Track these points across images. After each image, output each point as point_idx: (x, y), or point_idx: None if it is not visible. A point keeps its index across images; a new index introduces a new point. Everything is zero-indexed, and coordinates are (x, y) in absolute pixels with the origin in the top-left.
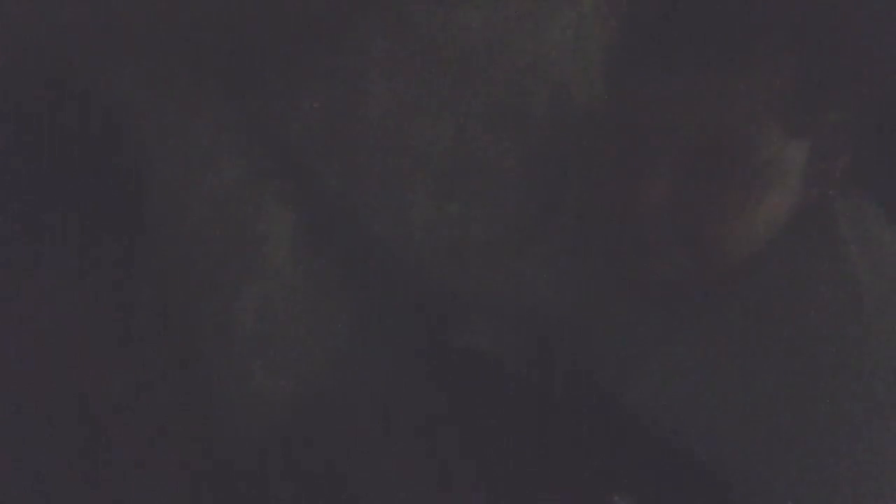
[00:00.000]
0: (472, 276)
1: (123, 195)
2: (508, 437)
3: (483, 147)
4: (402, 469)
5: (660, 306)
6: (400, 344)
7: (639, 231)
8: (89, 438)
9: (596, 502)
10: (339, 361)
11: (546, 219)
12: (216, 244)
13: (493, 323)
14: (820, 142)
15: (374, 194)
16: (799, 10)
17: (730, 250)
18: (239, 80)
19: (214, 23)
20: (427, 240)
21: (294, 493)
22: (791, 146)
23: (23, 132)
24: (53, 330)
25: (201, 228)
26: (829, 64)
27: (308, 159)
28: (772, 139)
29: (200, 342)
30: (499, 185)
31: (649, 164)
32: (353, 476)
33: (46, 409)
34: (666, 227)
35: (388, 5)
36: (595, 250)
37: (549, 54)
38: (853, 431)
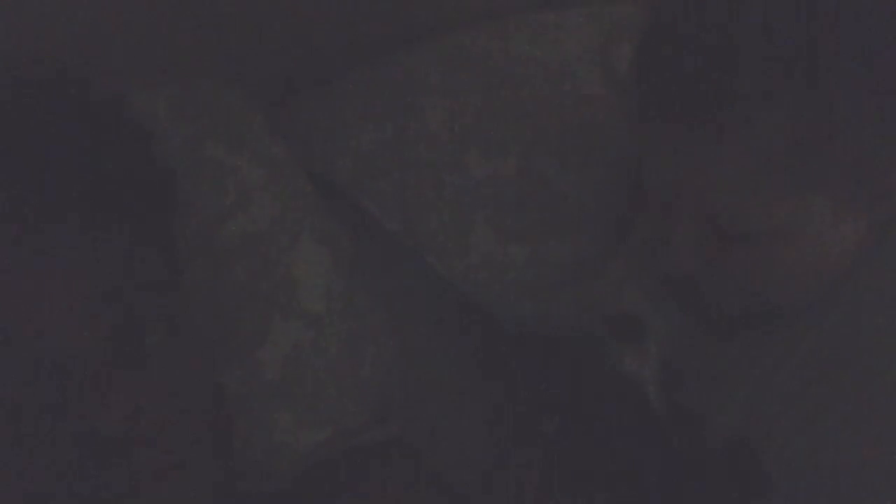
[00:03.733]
0: (538, 319)
1: (155, 228)
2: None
3: (548, 182)
4: None
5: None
6: (447, 396)
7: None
8: (97, 477)
9: None
10: (372, 413)
11: (612, 255)
12: (246, 285)
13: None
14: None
15: (430, 234)
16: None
17: (792, 289)
18: (284, 114)
19: (262, 55)
20: (490, 281)
21: None
22: (814, 199)
23: (57, 162)
24: (72, 365)
25: (232, 268)
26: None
27: (355, 195)
28: (788, 196)
29: (226, 387)
30: (566, 223)
31: (675, 227)
32: None
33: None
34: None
35: (444, 35)
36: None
37: (611, 83)
38: None
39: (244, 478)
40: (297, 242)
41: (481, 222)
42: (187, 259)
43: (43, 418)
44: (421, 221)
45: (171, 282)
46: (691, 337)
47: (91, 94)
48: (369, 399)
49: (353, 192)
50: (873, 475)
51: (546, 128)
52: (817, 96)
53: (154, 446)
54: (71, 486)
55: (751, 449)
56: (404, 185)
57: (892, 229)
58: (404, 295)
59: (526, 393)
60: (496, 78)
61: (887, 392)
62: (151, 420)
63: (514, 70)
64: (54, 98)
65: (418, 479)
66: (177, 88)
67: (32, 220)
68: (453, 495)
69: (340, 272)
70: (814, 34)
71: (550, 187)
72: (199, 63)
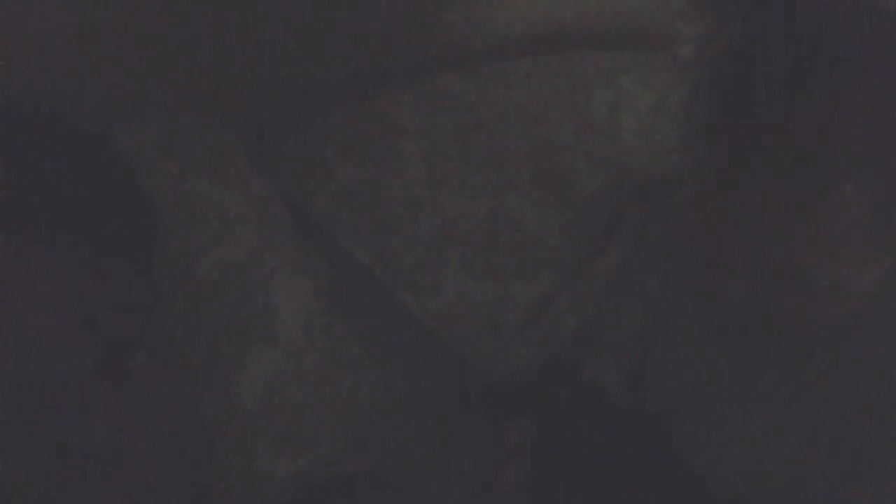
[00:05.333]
0: (507, 356)
1: (138, 256)
2: None
3: (521, 221)
4: None
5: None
6: (423, 426)
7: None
8: (74, 491)
9: None
10: (351, 443)
11: (585, 296)
12: (226, 315)
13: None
14: None
15: (403, 269)
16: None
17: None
18: (266, 150)
19: (245, 93)
20: (461, 318)
21: None
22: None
23: (35, 182)
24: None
25: (212, 297)
26: None
27: (332, 230)
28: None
29: (204, 413)
30: (539, 262)
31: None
32: None
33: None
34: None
35: (422, 78)
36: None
37: (585, 130)
38: None
39: None
40: (276, 274)
41: (454, 261)
42: (169, 288)
43: (26, 428)
44: (395, 258)
45: (153, 306)
46: (664, 344)
47: (77, 128)
48: (347, 429)
49: (330, 227)
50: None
51: (518, 171)
52: None
53: (132, 464)
54: (48, 498)
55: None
56: (380, 222)
57: None
58: (381, 327)
59: (497, 423)
60: (471, 121)
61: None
62: (132, 438)
63: (490, 114)
64: (41, 131)
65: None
66: (162, 124)
67: (22, 245)
68: None
69: (319, 303)
70: None
71: (521, 229)
72: (183, 99)
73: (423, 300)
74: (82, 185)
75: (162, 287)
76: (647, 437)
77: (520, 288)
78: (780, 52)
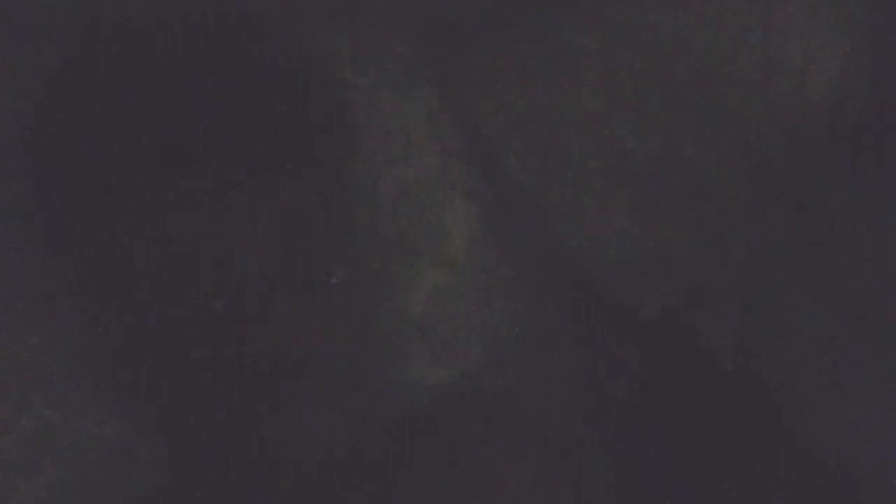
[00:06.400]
0: (661, 298)
1: (333, 169)
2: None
3: (692, 167)
4: (540, 482)
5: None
6: (565, 354)
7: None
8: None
9: None
10: (501, 360)
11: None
12: (400, 229)
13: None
14: None
15: (568, 201)
16: None
17: None
18: (447, 68)
19: (432, 7)
20: (620, 257)
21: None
22: None
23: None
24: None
25: (390, 212)
26: None
27: (503, 157)
28: None
29: (370, 319)
30: (707, 210)
31: None
32: (483, 476)
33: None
34: None
35: (609, 5)
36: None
37: (772, 72)
38: None
39: (378, 408)
40: (450, 196)
41: (619, 199)
42: (356, 200)
43: (238, 334)
44: (558, 188)
45: (347, 220)
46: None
47: (272, 40)
48: (493, 348)
49: (501, 149)
50: None
51: (695, 114)
52: None
53: (321, 370)
54: (239, 405)
55: None
56: (548, 149)
57: None
58: (533, 255)
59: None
60: (654, 55)
61: None
62: (324, 346)
63: (673, 48)
64: (241, 44)
65: (522, 428)
66: (354, 38)
67: (225, 162)
68: (551, 445)
69: (482, 226)
70: None
71: (691, 175)
72: (374, 11)
73: (577, 233)
74: (277, 96)
75: (351, 201)
76: (751, 403)
77: (679, 234)
78: None
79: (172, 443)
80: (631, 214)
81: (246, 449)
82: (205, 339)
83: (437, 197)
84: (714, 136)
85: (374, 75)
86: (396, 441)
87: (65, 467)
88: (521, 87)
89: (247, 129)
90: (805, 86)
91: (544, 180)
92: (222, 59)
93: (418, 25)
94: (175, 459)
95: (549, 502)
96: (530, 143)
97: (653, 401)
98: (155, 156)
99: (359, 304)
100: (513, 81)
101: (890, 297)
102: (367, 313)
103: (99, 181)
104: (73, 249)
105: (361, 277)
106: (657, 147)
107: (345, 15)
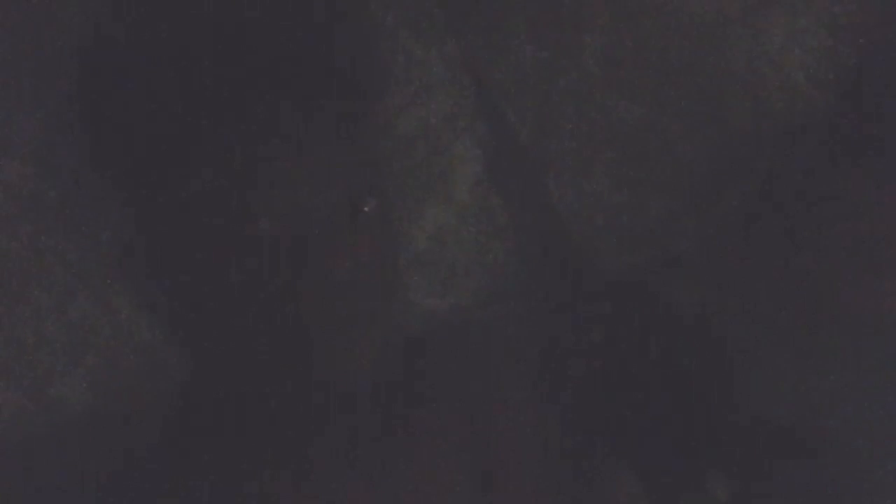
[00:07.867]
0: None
1: (359, 109)
2: (646, 397)
3: (672, 140)
4: (525, 408)
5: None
6: (551, 295)
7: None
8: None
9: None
10: (493, 296)
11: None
12: (412, 167)
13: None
14: None
15: (556, 155)
16: None
17: None
18: (462, 16)
19: None
20: (596, 219)
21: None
22: None
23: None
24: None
25: (404, 150)
26: None
27: (506, 107)
28: None
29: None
30: (672, 182)
31: None
32: (474, 407)
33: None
34: None
35: None
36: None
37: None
38: None
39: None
40: (460, 139)
41: (601, 161)
42: (376, 139)
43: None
44: (552, 143)
45: (375, 160)
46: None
47: None
48: (485, 285)
49: (502, 101)
50: None
51: (683, 92)
52: None
53: (363, 293)
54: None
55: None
56: (547, 107)
57: None
58: (527, 206)
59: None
60: (655, 31)
61: None
62: (365, 272)
63: (674, 27)
64: None
65: (509, 360)
66: None
67: (260, 103)
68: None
69: (485, 171)
70: None
71: (669, 147)
72: None
73: (564, 190)
74: (309, 39)
75: (367, 132)
76: (706, 374)
77: (652, 203)
78: None
79: (196, 349)
80: (610, 179)
81: (264, 364)
82: (248, 255)
83: (450, 138)
84: (697, 114)
85: (397, 16)
86: (394, 362)
87: (102, 357)
88: (527, 44)
89: (293, 62)
90: (783, 72)
91: (539, 137)
92: None
93: None
94: (198, 365)
95: (533, 431)
96: (528, 98)
97: (623, 353)
98: (207, 85)
99: (380, 234)
100: (521, 37)
101: (846, 275)
102: (385, 244)
103: (149, 97)
104: (123, 161)
105: (384, 210)
106: (643, 117)
107: None
